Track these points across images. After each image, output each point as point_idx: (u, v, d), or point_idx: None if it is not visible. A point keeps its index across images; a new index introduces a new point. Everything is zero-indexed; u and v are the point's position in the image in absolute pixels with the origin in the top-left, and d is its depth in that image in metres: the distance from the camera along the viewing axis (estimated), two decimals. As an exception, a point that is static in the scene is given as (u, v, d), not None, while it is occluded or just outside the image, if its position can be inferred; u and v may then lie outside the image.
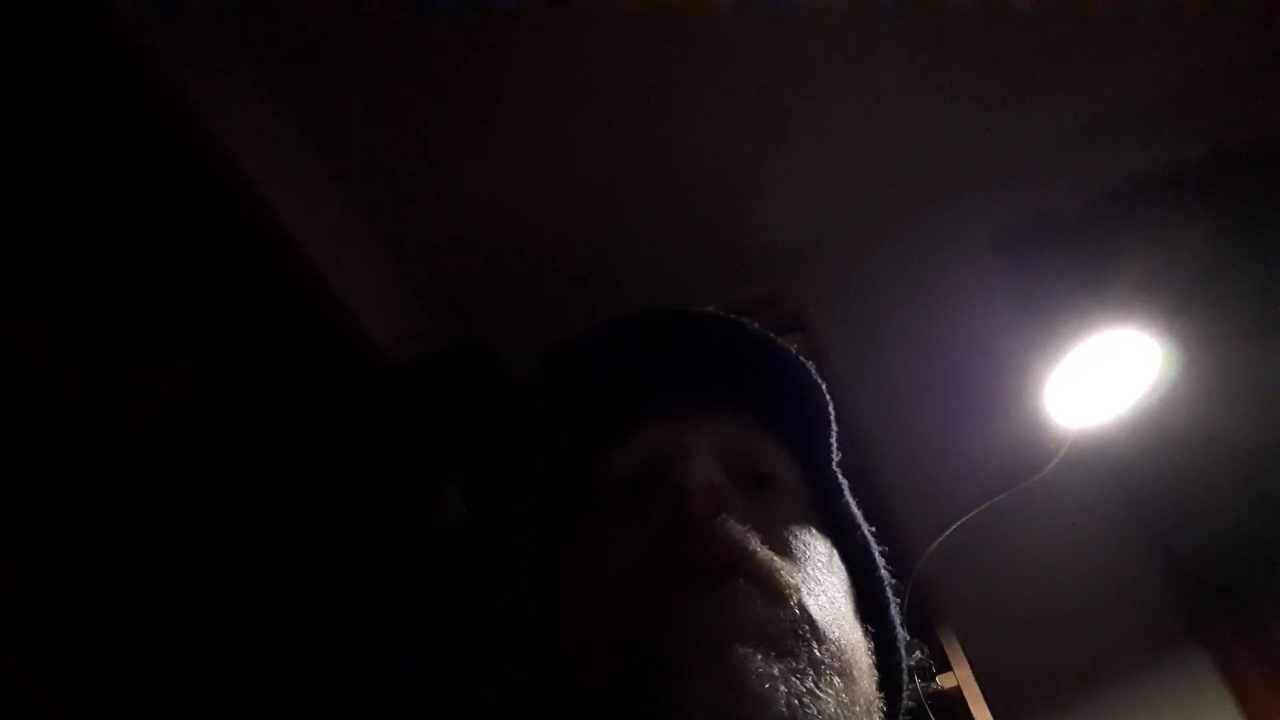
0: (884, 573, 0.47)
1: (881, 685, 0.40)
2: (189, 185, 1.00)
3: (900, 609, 0.48)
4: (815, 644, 0.36)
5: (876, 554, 0.47)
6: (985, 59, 1.50)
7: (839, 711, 0.34)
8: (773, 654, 0.34)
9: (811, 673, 0.35)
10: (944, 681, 1.22)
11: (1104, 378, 1.27)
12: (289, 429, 1.08)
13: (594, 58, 1.36)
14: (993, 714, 1.19)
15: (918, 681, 1.21)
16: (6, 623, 0.69)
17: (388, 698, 0.89)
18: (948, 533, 1.31)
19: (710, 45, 1.38)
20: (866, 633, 0.41)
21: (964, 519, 1.32)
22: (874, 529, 0.48)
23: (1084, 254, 1.57)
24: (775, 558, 0.38)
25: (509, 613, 0.46)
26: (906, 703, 0.47)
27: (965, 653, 1.27)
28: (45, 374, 0.81)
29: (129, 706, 0.77)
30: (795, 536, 0.41)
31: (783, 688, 0.33)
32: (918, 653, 1.24)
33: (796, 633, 0.36)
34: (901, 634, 0.47)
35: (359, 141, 1.38)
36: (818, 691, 0.34)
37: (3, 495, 0.71)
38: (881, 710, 0.39)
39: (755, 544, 0.38)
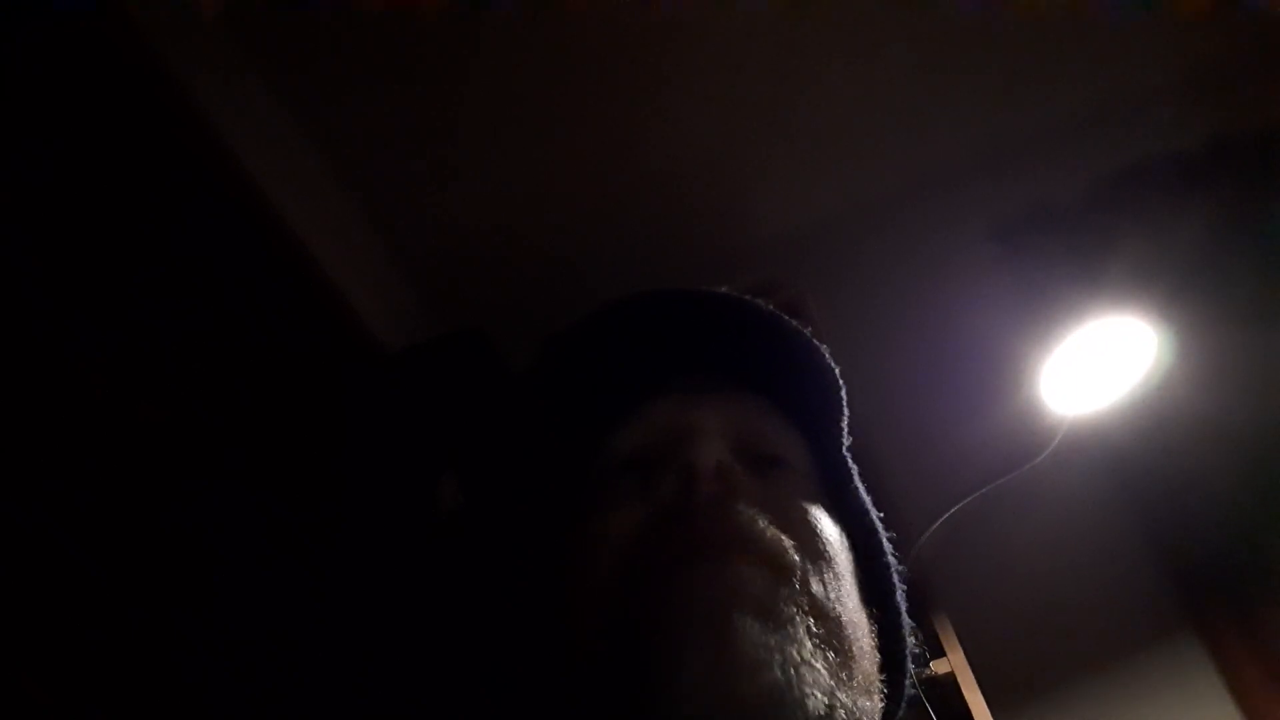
0: (891, 559, 0.47)
1: (883, 669, 0.40)
2: (188, 176, 1.00)
3: (904, 596, 0.48)
4: (814, 619, 0.36)
5: (884, 539, 0.47)
6: (983, 49, 1.50)
7: (835, 685, 0.34)
8: (770, 625, 0.34)
9: (808, 644, 0.35)
10: (938, 667, 1.23)
11: (1100, 365, 1.27)
12: (287, 421, 1.08)
13: (592, 46, 1.35)
14: (986, 700, 1.20)
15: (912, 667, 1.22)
16: (6, 622, 0.70)
17: (389, 691, 0.89)
18: (943, 519, 1.31)
19: (709, 33, 1.37)
20: (871, 616, 0.41)
21: (959, 505, 1.32)
22: (882, 514, 0.48)
23: (1081, 242, 1.56)
24: (782, 537, 0.38)
25: (509, 596, 0.46)
26: (909, 690, 0.47)
27: (959, 639, 1.27)
28: (46, 374, 0.81)
29: (129, 706, 0.77)
30: (803, 518, 0.41)
31: (777, 656, 0.33)
32: (912, 638, 1.24)
33: (796, 607, 0.36)
34: (906, 620, 0.47)
35: (356, 131, 1.37)
36: (813, 663, 0.34)
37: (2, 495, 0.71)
38: (882, 693, 0.39)
39: (763, 524, 0.38)
